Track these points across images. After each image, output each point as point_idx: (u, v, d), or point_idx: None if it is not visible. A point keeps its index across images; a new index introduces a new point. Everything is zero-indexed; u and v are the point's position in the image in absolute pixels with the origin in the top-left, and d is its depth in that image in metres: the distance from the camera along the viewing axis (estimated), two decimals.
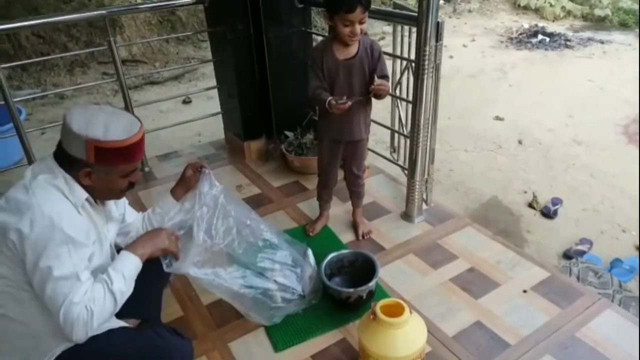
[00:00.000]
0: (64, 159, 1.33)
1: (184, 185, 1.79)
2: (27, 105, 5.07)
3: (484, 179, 3.71)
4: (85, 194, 1.36)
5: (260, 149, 3.18)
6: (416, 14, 1.99)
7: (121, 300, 1.36)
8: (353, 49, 1.97)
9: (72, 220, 1.29)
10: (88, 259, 1.33)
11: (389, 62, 2.70)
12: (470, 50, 7.07)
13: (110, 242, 1.52)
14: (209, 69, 5.66)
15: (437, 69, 2.13)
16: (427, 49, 2.02)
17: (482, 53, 6.90)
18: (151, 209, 1.80)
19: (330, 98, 1.93)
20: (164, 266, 1.54)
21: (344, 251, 2.04)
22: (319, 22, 6.71)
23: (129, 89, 2.97)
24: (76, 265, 1.27)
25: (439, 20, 1.98)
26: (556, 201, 3.26)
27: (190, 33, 6.68)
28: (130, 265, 1.42)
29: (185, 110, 5.17)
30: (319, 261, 1.98)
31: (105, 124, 1.30)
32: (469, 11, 9.12)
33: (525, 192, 3.48)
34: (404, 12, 2.30)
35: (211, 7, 2.90)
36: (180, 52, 6.81)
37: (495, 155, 4.10)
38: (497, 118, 4.77)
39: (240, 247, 1.73)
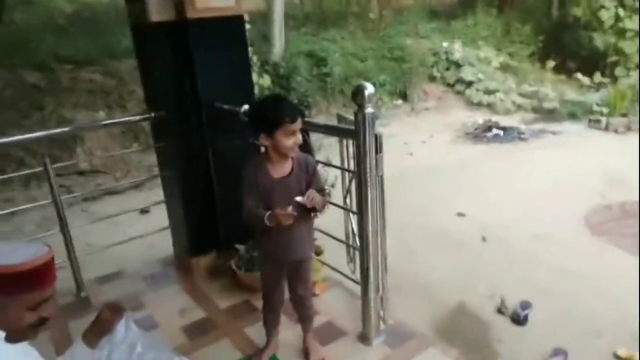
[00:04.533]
0: None
1: (99, 329, 1.58)
2: None
3: (449, 282, 3.55)
4: (2, 333, 1.21)
5: (210, 265, 2.99)
6: (353, 128, 1.95)
7: None
8: (288, 167, 1.91)
9: None
10: None
11: (336, 172, 2.68)
12: (429, 146, 7.28)
13: None
14: None
15: (380, 180, 2.06)
16: (368, 161, 1.96)
17: (441, 149, 7.11)
18: (59, 358, 1.57)
19: (273, 211, 1.82)
20: None
21: None
22: None
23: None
24: None
25: (377, 133, 1.94)
26: (525, 305, 3.09)
27: (137, 149, 6.62)
28: None
29: (143, 220, 4.98)
30: None
31: (6, 251, 1.19)
32: (426, 109, 9.58)
33: (493, 296, 3.31)
34: (342, 125, 2.28)
35: (156, 122, 2.87)
36: (142, 160, 6.76)
37: (459, 254, 3.98)
38: (459, 214, 4.74)
39: None
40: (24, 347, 1.34)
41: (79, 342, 1.56)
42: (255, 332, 2.39)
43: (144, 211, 5.16)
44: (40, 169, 2.75)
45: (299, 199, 1.83)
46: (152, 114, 2.81)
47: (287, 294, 2.18)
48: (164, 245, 4.02)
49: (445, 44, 10.58)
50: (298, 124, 1.84)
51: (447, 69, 10.27)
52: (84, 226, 3.83)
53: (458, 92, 10.02)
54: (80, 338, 1.57)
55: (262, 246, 2.07)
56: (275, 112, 1.83)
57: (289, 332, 2.33)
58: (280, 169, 1.91)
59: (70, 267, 2.87)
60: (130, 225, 4.73)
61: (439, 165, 6.28)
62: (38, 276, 1.22)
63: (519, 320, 3.00)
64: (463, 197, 5.10)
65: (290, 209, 1.79)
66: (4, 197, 5.70)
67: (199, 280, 2.93)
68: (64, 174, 6.09)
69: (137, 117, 3.01)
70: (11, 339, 1.25)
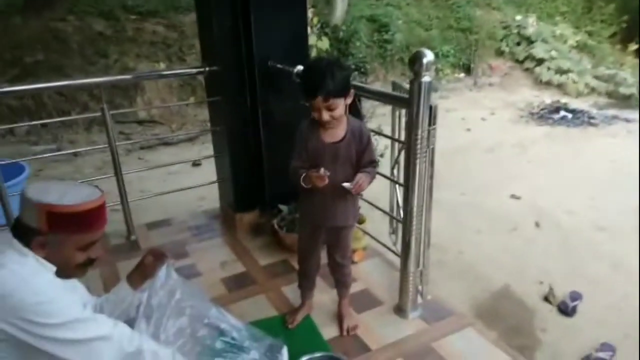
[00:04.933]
0: (19, 230, 1.25)
1: (142, 273, 1.64)
2: (40, 161, 5.13)
3: (496, 264, 3.43)
4: (53, 267, 1.27)
5: (253, 222, 3.02)
6: (407, 97, 1.85)
7: None
8: (340, 132, 1.84)
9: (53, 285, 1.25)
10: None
11: (386, 141, 2.59)
12: (489, 123, 6.96)
13: None
14: None
15: (431, 153, 1.96)
16: (419, 133, 1.86)
17: (502, 127, 6.77)
18: (105, 295, 1.65)
19: (308, 172, 1.79)
20: None
21: (318, 354, 1.80)
22: None
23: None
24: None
25: (432, 104, 1.83)
26: (575, 296, 2.93)
27: (192, 102, 6.75)
28: None
29: (195, 173, 5.12)
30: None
31: (62, 191, 1.24)
32: (490, 85, 9.12)
33: (541, 283, 3.17)
34: (395, 93, 2.17)
35: (210, 77, 2.87)
36: (198, 114, 6.90)
37: (510, 237, 3.82)
38: (514, 196, 4.53)
39: (193, 351, 1.51)
40: (72, 282, 1.41)
41: (124, 283, 1.63)
42: (292, 291, 2.40)
43: (196, 164, 5.30)
44: (98, 114, 2.82)
45: (346, 185, 1.78)
46: (207, 68, 2.81)
47: (325, 259, 2.17)
48: (212, 198, 4.11)
49: (518, 17, 9.95)
50: (318, 101, 1.70)
51: (518, 44, 9.68)
52: (139, 173, 3.97)
53: (526, 70, 9.45)
54: (124, 279, 1.63)
55: (304, 208, 2.04)
56: (302, 81, 1.76)
57: (325, 295, 2.33)
58: (332, 134, 1.84)
59: (122, 210, 2.98)
60: (181, 176, 4.88)
61: (497, 144, 6.00)
62: (90, 218, 1.26)
63: (566, 310, 2.86)
64: (520, 179, 4.87)
65: (322, 171, 1.74)
66: (68, 138, 6.03)
67: (241, 235, 2.98)
68: (125, 121, 6.35)
69: (193, 70, 3.04)
70: (61, 275, 1.31)
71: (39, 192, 1.23)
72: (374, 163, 1.90)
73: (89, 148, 5.28)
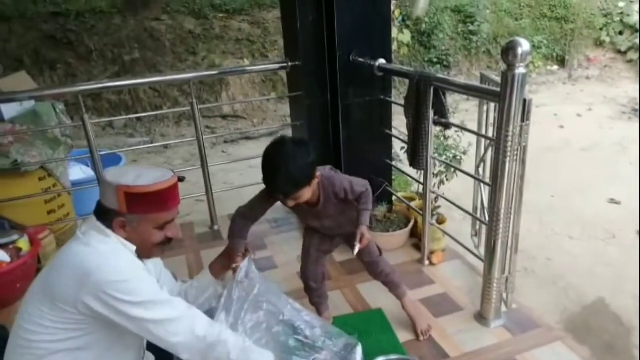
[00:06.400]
0: (101, 213, 1.34)
1: (224, 263, 1.69)
2: (135, 152, 5.52)
3: (589, 274, 3.15)
4: (134, 246, 1.35)
5: None
6: (498, 90, 1.74)
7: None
8: (313, 199, 1.75)
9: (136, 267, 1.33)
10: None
11: (470, 138, 2.46)
12: (585, 120, 6.43)
13: None
14: None
15: (523, 151, 1.83)
16: (511, 129, 1.74)
17: (599, 124, 6.22)
18: (190, 282, 1.72)
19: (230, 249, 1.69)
20: None
21: (394, 357, 1.75)
22: (402, 89, 6.56)
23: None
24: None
25: (526, 97, 1.70)
26: None
27: (272, 97, 6.89)
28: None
29: None
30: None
31: (137, 174, 1.32)
32: (587, 78, 8.42)
33: None
34: (484, 86, 2.04)
35: (292, 72, 2.90)
36: (278, 110, 7.06)
37: (607, 246, 3.49)
38: (612, 201, 4.14)
39: (268, 346, 1.53)
40: (149, 266, 1.46)
41: (207, 272, 1.69)
42: (367, 290, 2.37)
43: None
44: (187, 108, 2.96)
45: (356, 250, 1.73)
46: (289, 63, 2.84)
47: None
48: None
49: (621, 4, 9.06)
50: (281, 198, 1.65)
51: (620, 33, 8.85)
52: (222, 165, 4.13)
53: (630, 61, 8.62)
54: (207, 268, 1.70)
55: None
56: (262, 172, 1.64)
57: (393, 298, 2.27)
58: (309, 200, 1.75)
59: (207, 201, 3.12)
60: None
61: (594, 143, 5.52)
62: (163, 198, 1.33)
63: None
64: (619, 183, 4.44)
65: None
66: (160, 132, 6.43)
67: None
68: (210, 116, 6.65)
69: (276, 66, 3.08)
70: (142, 254, 1.39)
71: (116, 175, 1.31)
72: (362, 194, 1.79)
73: (178, 141, 5.59)
